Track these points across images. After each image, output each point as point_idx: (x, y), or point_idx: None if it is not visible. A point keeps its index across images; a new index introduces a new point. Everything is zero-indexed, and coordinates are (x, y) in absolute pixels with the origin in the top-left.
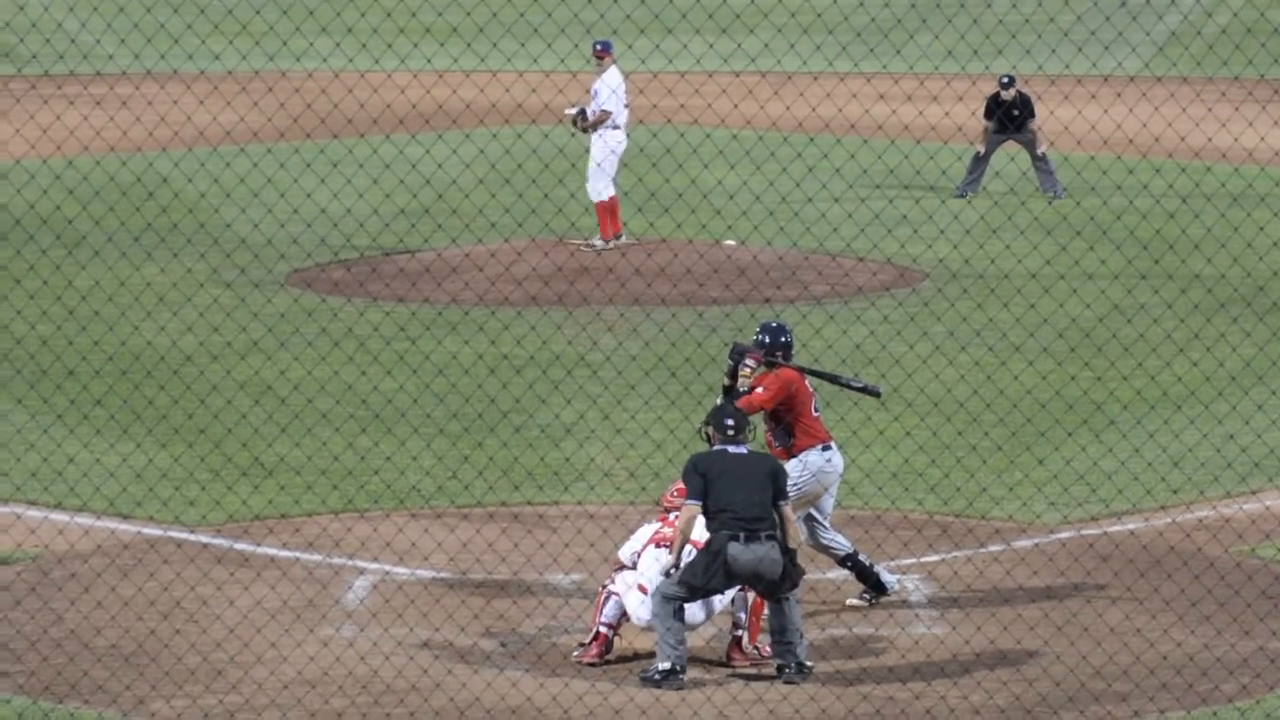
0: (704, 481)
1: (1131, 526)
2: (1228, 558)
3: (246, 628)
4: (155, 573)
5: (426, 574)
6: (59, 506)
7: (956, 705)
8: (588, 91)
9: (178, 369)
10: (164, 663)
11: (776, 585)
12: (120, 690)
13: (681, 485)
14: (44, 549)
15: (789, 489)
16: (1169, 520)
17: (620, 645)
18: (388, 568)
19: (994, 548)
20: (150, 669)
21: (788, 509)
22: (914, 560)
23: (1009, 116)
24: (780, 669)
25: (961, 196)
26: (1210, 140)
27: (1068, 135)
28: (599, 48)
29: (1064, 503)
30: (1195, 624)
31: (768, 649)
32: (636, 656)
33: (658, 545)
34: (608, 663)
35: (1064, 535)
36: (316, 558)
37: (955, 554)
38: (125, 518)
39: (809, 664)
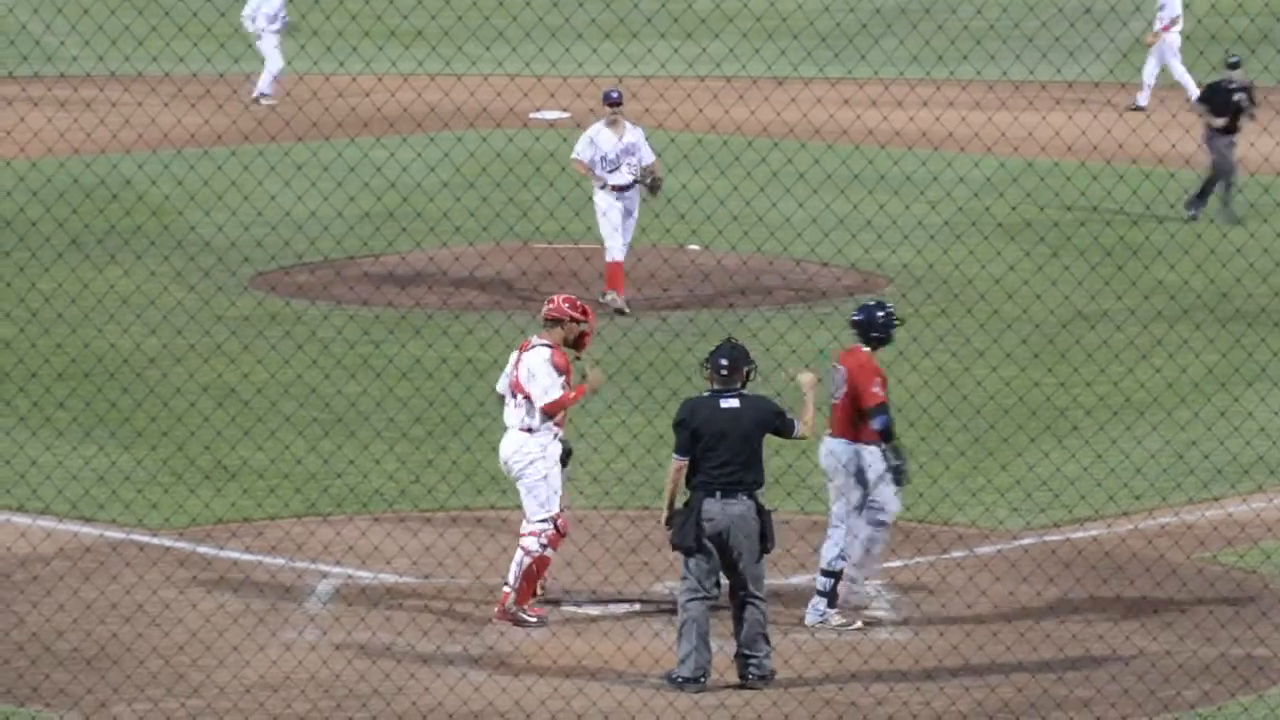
0: (691, 437)
1: (1094, 532)
2: (1190, 564)
3: (209, 631)
4: (118, 576)
5: (390, 578)
6: (21, 509)
7: (919, 711)
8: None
9: (141, 372)
10: (126, 666)
11: (753, 551)
12: (82, 694)
13: (568, 296)
14: (6, 551)
15: None
16: (1132, 526)
17: (580, 648)
18: (351, 571)
19: (957, 553)
20: (112, 672)
21: (798, 433)
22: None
23: (1238, 108)
24: (742, 677)
25: (1193, 219)
26: (1174, 146)
27: (1032, 141)
28: (617, 95)
29: (1027, 508)
30: (1157, 630)
31: (536, 614)
32: (596, 652)
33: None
34: (580, 669)
35: (1027, 541)
36: (279, 561)
37: (918, 560)
38: (88, 520)
39: (772, 671)
